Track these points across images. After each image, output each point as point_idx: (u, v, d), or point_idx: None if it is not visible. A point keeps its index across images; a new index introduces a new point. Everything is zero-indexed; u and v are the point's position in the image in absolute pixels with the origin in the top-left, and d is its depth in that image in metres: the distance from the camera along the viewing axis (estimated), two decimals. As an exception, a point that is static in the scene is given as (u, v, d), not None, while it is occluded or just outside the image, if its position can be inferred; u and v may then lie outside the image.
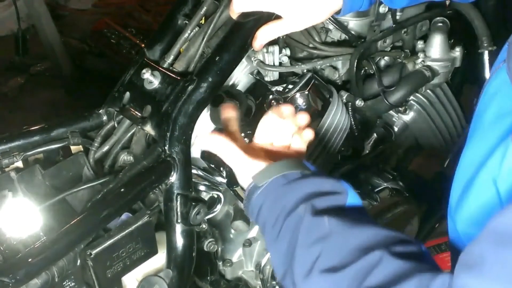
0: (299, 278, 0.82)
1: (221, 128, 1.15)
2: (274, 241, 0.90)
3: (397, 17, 1.31)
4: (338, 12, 1.06)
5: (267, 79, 1.24)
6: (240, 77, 1.25)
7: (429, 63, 1.38)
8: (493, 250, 0.59)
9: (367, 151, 1.51)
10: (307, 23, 1.06)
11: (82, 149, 1.25)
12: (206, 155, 1.26)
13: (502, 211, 0.61)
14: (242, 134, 1.18)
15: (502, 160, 0.69)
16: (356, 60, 1.28)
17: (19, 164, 1.19)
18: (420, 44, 1.39)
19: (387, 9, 1.28)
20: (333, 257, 0.79)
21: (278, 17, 1.05)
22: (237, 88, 1.26)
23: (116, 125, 1.26)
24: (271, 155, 1.02)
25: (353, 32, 1.30)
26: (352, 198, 0.91)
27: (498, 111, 0.75)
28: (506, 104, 0.74)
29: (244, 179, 1.00)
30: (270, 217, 0.92)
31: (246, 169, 0.99)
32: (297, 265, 0.83)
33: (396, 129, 1.53)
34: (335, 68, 1.34)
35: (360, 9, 1.08)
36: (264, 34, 1.07)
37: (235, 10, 1.07)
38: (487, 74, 1.42)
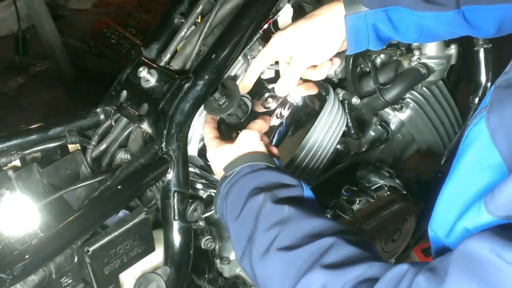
0: (256, 257, 0.90)
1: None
2: (233, 221, 0.98)
3: (393, 15, 1.31)
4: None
5: (263, 76, 1.25)
6: (237, 75, 1.26)
7: (424, 60, 1.38)
8: (458, 272, 0.65)
9: (364, 149, 1.52)
10: (315, 61, 1.13)
11: (79, 148, 1.26)
12: (204, 153, 1.26)
13: (476, 234, 0.66)
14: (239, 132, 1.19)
15: (475, 220, 0.73)
16: (352, 58, 1.29)
17: (17, 162, 1.20)
18: (415, 42, 1.39)
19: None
20: (290, 238, 0.87)
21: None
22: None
23: (113, 123, 1.27)
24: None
25: (348, 30, 1.30)
26: (308, 192, 0.99)
27: (475, 161, 0.79)
28: (483, 157, 0.77)
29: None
30: (234, 201, 0.99)
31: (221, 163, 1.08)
32: (256, 245, 0.91)
33: (392, 127, 1.53)
34: (332, 66, 1.35)
35: (367, 48, 1.10)
36: (289, 79, 1.14)
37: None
38: (482, 72, 1.43)
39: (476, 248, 0.64)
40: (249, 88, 1.18)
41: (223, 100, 1.13)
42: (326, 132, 1.27)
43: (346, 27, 1.07)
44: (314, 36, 1.10)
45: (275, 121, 1.20)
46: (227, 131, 1.21)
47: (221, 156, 1.08)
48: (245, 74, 1.18)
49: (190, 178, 1.19)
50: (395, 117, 1.53)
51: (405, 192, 1.49)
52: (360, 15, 1.06)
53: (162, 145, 1.13)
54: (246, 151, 1.06)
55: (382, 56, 1.41)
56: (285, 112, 1.20)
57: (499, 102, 0.76)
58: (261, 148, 1.07)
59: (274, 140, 1.21)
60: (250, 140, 1.07)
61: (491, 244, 0.63)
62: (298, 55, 1.12)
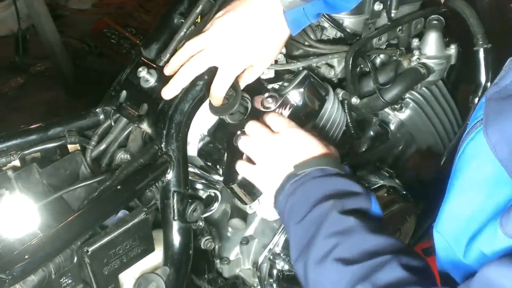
0: (312, 262, 0.90)
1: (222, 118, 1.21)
2: (296, 224, 0.97)
3: (392, 15, 1.31)
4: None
5: (262, 76, 1.25)
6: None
7: (424, 60, 1.38)
8: None
9: (364, 149, 1.52)
10: (270, 63, 1.19)
11: (79, 148, 1.26)
12: (204, 153, 1.26)
13: (494, 262, 0.66)
14: (238, 132, 1.19)
15: (492, 242, 0.73)
16: (351, 58, 1.28)
17: (16, 163, 1.20)
18: (415, 42, 1.39)
19: (381, 7, 1.28)
20: (349, 251, 0.87)
21: None
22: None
23: (112, 123, 1.27)
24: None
25: (348, 30, 1.30)
26: (375, 206, 0.98)
27: (480, 176, 0.78)
28: (486, 172, 0.76)
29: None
30: (299, 202, 0.98)
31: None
32: (314, 250, 0.90)
33: (392, 127, 1.53)
34: (331, 66, 1.35)
35: (307, 24, 1.14)
36: (244, 82, 1.17)
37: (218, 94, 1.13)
38: (482, 72, 1.42)
39: (496, 277, 0.65)
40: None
41: (230, 93, 1.13)
42: (326, 132, 1.27)
43: (288, 22, 1.10)
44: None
45: None
46: (231, 134, 1.20)
47: (306, 146, 1.07)
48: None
49: (189, 178, 1.19)
50: (395, 117, 1.52)
51: (404, 192, 1.49)
52: (299, 9, 1.08)
53: (162, 145, 1.13)
54: (320, 153, 1.05)
55: (381, 56, 1.41)
56: (285, 113, 1.20)
57: (496, 115, 0.75)
58: (334, 153, 1.07)
59: None
60: (326, 143, 1.07)
61: (511, 273, 0.64)
62: (258, 67, 1.15)
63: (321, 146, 1.07)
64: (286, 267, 1.32)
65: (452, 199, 0.84)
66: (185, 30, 1.20)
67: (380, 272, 0.81)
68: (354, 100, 1.33)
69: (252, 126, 1.14)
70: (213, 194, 1.27)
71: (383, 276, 0.81)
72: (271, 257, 1.31)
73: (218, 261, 1.40)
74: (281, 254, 1.30)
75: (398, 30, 1.38)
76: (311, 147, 1.06)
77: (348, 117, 1.35)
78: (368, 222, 0.92)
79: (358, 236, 0.89)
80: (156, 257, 1.18)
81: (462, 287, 0.71)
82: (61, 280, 1.05)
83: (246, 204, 1.27)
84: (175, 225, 1.15)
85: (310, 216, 0.95)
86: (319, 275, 0.89)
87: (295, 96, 1.21)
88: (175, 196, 1.14)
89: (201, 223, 1.24)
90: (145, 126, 1.15)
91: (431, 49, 1.38)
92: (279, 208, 1.04)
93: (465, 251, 0.79)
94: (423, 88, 1.48)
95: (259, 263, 1.34)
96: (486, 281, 0.66)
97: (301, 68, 1.29)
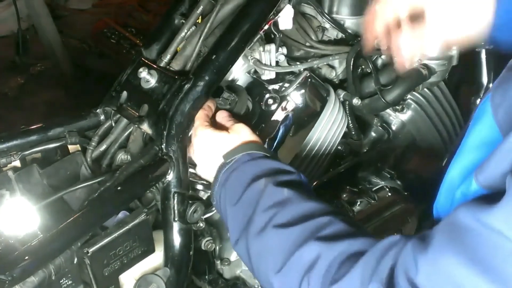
0: (253, 236, 0.92)
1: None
2: (233, 206, 0.99)
3: (394, 16, 1.31)
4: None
5: (264, 77, 1.25)
6: (237, 75, 1.25)
7: (426, 61, 1.38)
8: (442, 238, 0.68)
9: (365, 150, 1.52)
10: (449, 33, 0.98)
11: (79, 149, 1.26)
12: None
13: (462, 204, 0.69)
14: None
15: (467, 191, 0.77)
16: (352, 59, 1.28)
17: (17, 163, 1.20)
18: (417, 43, 1.39)
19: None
20: (287, 217, 0.90)
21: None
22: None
23: (113, 124, 1.27)
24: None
25: (349, 31, 1.30)
26: (306, 181, 1.02)
27: (477, 138, 0.82)
28: (482, 134, 0.80)
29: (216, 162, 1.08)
30: (233, 187, 1.01)
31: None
32: (253, 225, 0.93)
33: (393, 127, 1.53)
34: (332, 67, 1.35)
35: None
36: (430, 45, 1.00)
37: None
38: (484, 73, 1.43)
39: (461, 216, 0.67)
40: None
41: (232, 98, 1.13)
42: (327, 133, 1.27)
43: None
44: None
45: (279, 115, 1.19)
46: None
47: (217, 143, 1.08)
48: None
49: (190, 179, 1.19)
50: (396, 118, 1.52)
51: (406, 193, 1.49)
52: None
53: (162, 146, 1.12)
54: (244, 141, 1.07)
55: (383, 57, 1.41)
56: (290, 105, 1.20)
57: (504, 81, 0.79)
58: (257, 139, 1.09)
59: (279, 134, 1.20)
60: (247, 131, 1.09)
61: (473, 212, 0.66)
62: (436, 26, 0.97)
63: (247, 133, 1.09)
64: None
65: (450, 168, 0.87)
66: (186, 30, 1.20)
67: (324, 230, 0.85)
68: (355, 101, 1.33)
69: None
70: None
71: (328, 232, 0.84)
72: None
73: (218, 262, 1.39)
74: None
75: (399, 30, 1.37)
76: (237, 135, 1.08)
77: (349, 118, 1.35)
78: (302, 191, 0.95)
79: (295, 204, 0.92)
80: (156, 258, 1.18)
81: (433, 228, 0.73)
82: (61, 281, 1.04)
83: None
84: (176, 226, 1.14)
85: (245, 196, 0.98)
86: (261, 244, 0.91)
87: (296, 97, 1.21)
88: (176, 197, 1.14)
89: (201, 224, 1.24)
90: (145, 127, 1.15)
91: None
92: (215, 200, 1.06)
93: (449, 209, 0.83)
94: (425, 89, 1.48)
95: (260, 264, 1.34)
96: (452, 220, 0.69)
97: (302, 69, 1.29)
